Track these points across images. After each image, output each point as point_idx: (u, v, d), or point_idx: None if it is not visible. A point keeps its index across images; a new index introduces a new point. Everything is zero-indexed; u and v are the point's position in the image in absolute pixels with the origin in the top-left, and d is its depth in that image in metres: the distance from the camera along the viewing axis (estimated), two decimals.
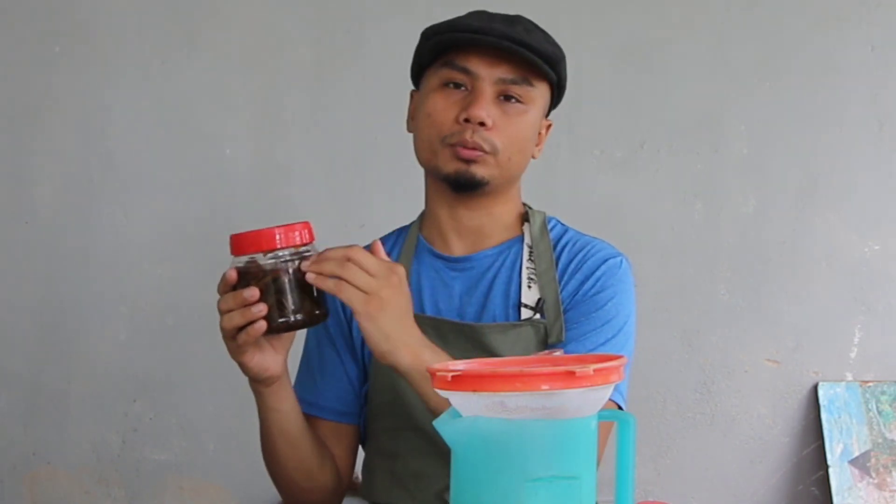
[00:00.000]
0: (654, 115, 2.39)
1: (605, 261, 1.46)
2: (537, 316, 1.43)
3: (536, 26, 1.45)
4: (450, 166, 1.41)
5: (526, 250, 1.47)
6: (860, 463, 2.31)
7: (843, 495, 2.28)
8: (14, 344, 2.48)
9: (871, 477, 2.30)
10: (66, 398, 2.47)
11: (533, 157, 1.49)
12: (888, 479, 2.30)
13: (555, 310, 1.43)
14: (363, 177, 2.43)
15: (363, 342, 1.47)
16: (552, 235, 1.49)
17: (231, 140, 2.45)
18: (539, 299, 1.43)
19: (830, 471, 2.30)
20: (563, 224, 1.53)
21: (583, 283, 1.45)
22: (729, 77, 2.38)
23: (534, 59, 1.39)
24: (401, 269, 1.31)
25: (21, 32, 2.48)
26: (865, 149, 2.37)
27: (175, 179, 2.45)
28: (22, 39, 2.48)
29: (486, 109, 1.39)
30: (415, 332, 1.30)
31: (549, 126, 1.53)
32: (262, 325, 1.23)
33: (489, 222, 1.48)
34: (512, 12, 1.47)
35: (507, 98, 1.41)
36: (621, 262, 1.48)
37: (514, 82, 1.41)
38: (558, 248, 1.48)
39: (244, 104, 2.45)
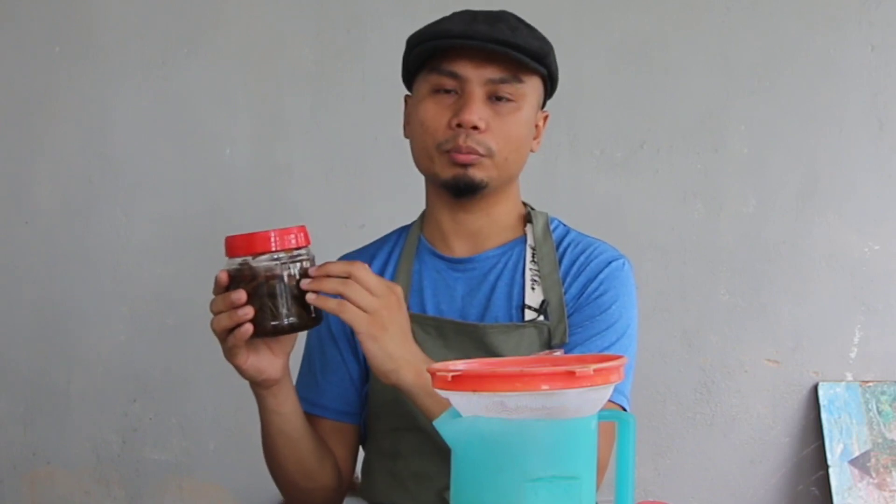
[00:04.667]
0: (654, 115, 2.39)
1: (609, 263, 1.46)
2: (541, 318, 1.43)
3: (521, 21, 1.43)
4: (447, 172, 1.41)
5: (529, 251, 1.47)
6: (860, 463, 2.31)
7: (843, 495, 2.28)
8: (14, 344, 2.48)
9: (871, 477, 2.30)
10: (66, 398, 2.47)
11: (532, 150, 1.49)
12: (888, 479, 2.30)
13: (558, 312, 1.43)
14: (363, 177, 2.42)
15: None
16: (555, 237, 1.49)
17: (231, 140, 2.45)
18: (543, 301, 1.43)
19: (830, 471, 2.30)
20: (564, 225, 1.53)
21: (586, 285, 1.45)
22: (729, 77, 2.38)
23: (521, 57, 1.38)
24: (399, 289, 1.31)
25: (21, 32, 2.48)
26: (865, 149, 2.37)
27: (175, 179, 2.45)
28: (22, 39, 2.48)
29: (477, 113, 1.38)
30: (416, 351, 1.31)
31: (546, 117, 1.52)
32: (249, 328, 1.23)
33: (489, 224, 1.48)
34: (514, 12, 1.46)
35: (499, 98, 1.41)
36: (623, 264, 1.48)
37: (503, 81, 1.40)
38: (561, 249, 1.48)
39: (244, 104, 2.45)
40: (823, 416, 2.33)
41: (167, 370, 2.45)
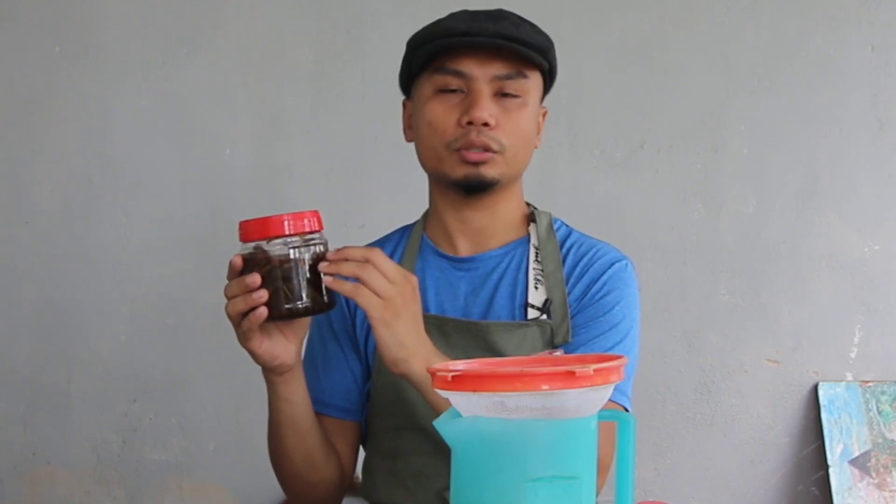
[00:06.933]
0: (654, 115, 2.39)
1: (612, 264, 1.47)
2: (544, 316, 1.43)
3: (521, 18, 1.44)
4: (458, 171, 1.41)
5: (532, 251, 1.47)
6: (860, 463, 2.30)
7: (843, 495, 2.28)
8: (14, 344, 2.48)
9: (871, 477, 2.30)
10: (66, 398, 2.47)
11: (535, 146, 1.49)
12: (888, 479, 2.30)
13: (561, 311, 1.43)
14: (363, 177, 2.43)
15: (367, 339, 1.47)
16: (558, 237, 1.49)
17: (231, 140, 2.45)
18: (546, 300, 1.43)
19: (830, 471, 2.30)
20: (567, 226, 1.53)
21: (589, 286, 1.45)
22: (729, 77, 2.38)
23: (527, 52, 1.39)
24: (415, 279, 1.32)
25: (21, 32, 2.48)
26: (865, 149, 2.37)
27: (175, 179, 2.45)
28: (22, 39, 2.48)
29: (487, 109, 1.38)
30: (427, 342, 1.31)
31: (545, 113, 1.52)
32: (263, 311, 1.23)
33: (494, 222, 1.48)
34: (514, 11, 1.46)
35: (504, 94, 1.41)
36: (626, 265, 1.48)
37: (509, 77, 1.40)
38: (564, 249, 1.49)
39: (244, 104, 2.45)
40: (823, 416, 2.33)
41: (167, 370, 2.45)
